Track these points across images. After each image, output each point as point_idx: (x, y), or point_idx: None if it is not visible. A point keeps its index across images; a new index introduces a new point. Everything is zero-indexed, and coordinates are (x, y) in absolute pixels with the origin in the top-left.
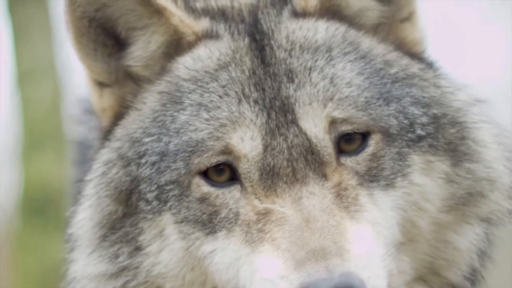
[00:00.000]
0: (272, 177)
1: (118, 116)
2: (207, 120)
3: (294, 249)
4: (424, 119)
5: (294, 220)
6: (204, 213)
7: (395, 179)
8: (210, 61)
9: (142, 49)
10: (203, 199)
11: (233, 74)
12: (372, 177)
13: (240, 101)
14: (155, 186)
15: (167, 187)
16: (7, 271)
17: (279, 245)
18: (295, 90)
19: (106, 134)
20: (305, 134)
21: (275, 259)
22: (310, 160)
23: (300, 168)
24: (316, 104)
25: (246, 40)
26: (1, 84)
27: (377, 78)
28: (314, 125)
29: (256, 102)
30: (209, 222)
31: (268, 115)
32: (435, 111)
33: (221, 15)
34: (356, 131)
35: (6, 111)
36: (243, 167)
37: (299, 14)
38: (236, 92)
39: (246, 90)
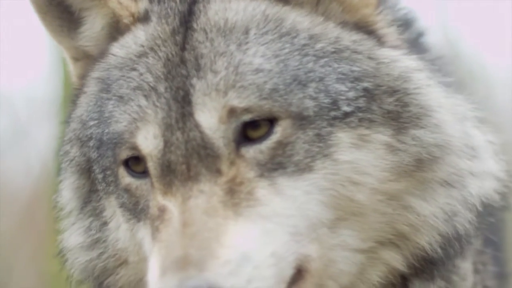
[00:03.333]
0: (169, 174)
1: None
2: (124, 112)
3: (166, 255)
4: (352, 94)
5: (176, 222)
6: (130, 202)
7: (313, 162)
8: (135, 47)
9: (89, 30)
10: (127, 189)
11: (150, 62)
12: (276, 165)
13: (149, 93)
14: (101, 169)
15: (107, 172)
16: (46, 225)
17: (160, 248)
18: (198, 79)
19: None
20: (200, 126)
21: (155, 263)
22: (203, 155)
23: (194, 165)
24: (215, 93)
25: (174, 23)
26: (41, 38)
27: (297, 57)
28: (210, 116)
29: (162, 94)
30: (135, 211)
31: (170, 107)
32: (366, 84)
33: None
34: (256, 118)
35: (45, 66)
36: (148, 164)
37: None
38: (148, 83)
39: (158, 80)
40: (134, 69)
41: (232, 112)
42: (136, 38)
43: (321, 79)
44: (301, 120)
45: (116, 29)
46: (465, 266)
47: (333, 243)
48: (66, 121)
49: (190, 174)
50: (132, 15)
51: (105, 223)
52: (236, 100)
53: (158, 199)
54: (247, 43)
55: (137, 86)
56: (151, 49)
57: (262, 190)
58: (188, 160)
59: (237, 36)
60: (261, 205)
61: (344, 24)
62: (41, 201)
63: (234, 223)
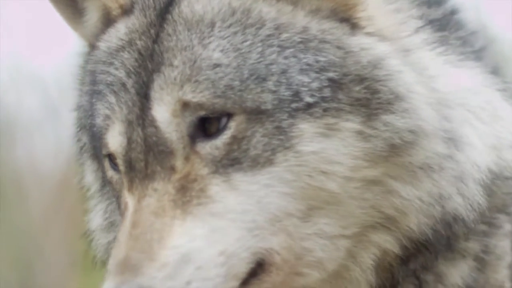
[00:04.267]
0: (131, 171)
1: None
2: (101, 108)
3: (113, 257)
4: (315, 85)
5: (128, 222)
6: (114, 195)
7: (274, 155)
8: (115, 41)
9: (90, 20)
10: (110, 182)
11: (125, 57)
12: (232, 161)
13: (119, 88)
14: (100, 157)
15: (101, 163)
16: (76, 205)
17: (114, 248)
18: (159, 73)
19: None
20: (155, 121)
21: (108, 264)
22: (157, 152)
23: (150, 162)
24: (171, 88)
25: (152, 15)
26: None
27: (260, 49)
28: (165, 109)
29: (129, 90)
30: (118, 203)
31: (134, 103)
32: (331, 74)
33: None
34: (210, 115)
35: (77, 44)
36: (117, 161)
37: None
38: (120, 78)
39: (128, 75)
40: (112, 64)
41: (185, 106)
42: (117, 32)
43: (283, 71)
44: (258, 114)
45: (108, 21)
46: (503, 244)
47: (307, 232)
48: (75, 109)
49: (147, 172)
50: (121, 7)
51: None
52: (190, 95)
53: (125, 195)
54: (210, 37)
55: (111, 81)
56: (129, 43)
57: (216, 187)
58: (147, 157)
59: (201, 30)
60: (213, 202)
61: (316, 11)
62: (71, 181)
63: (180, 222)
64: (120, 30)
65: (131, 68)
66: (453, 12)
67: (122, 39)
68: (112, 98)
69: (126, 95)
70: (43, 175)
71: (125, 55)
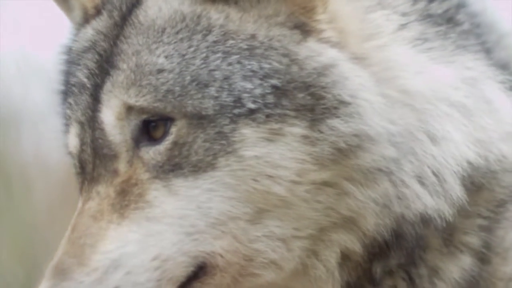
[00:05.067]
0: (83, 173)
1: None
2: (66, 108)
3: (51, 261)
4: (258, 91)
5: (70, 225)
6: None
7: (216, 159)
8: (83, 42)
9: (76, 18)
10: (78, 182)
11: (89, 58)
12: (173, 166)
13: (79, 90)
14: None
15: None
16: None
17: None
18: (109, 76)
19: None
20: (102, 123)
21: None
22: (103, 155)
23: (97, 165)
24: (117, 91)
25: (117, 17)
26: None
27: (204, 56)
28: (111, 113)
29: (85, 92)
30: None
31: (88, 105)
32: (274, 81)
33: None
34: (151, 118)
35: None
36: (74, 162)
37: None
38: (81, 80)
39: (88, 77)
40: (78, 65)
41: (130, 109)
42: (86, 33)
43: (226, 78)
44: (199, 119)
45: (85, 21)
46: (511, 236)
47: (256, 235)
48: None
49: (94, 175)
50: (95, 7)
51: None
52: (134, 99)
53: (79, 197)
54: (158, 42)
55: (74, 82)
56: (94, 44)
57: (155, 191)
58: (94, 160)
59: (151, 35)
60: (150, 207)
61: (270, 17)
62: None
63: (115, 227)
64: (88, 32)
65: (90, 70)
66: (460, 5)
67: (89, 40)
68: (72, 99)
69: (83, 97)
70: (49, 168)
71: (89, 56)
